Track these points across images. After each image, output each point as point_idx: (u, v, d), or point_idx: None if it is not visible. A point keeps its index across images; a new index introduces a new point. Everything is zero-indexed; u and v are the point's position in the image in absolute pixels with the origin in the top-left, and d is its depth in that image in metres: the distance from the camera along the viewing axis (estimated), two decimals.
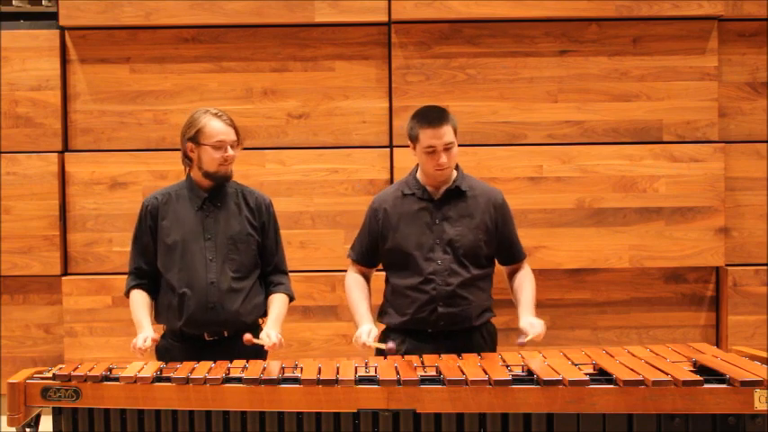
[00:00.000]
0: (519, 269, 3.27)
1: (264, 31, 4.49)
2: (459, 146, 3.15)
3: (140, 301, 3.13)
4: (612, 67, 4.47)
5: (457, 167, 3.19)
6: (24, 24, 4.56)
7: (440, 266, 3.08)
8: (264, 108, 4.49)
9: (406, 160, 4.42)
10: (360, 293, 3.21)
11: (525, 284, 3.21)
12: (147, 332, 2.99)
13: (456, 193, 3.15)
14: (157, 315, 3.17)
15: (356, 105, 4.51)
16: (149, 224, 3.15)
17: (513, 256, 3.27)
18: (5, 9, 4.61)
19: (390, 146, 4.48)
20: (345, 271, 3.32)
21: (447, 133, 3.04)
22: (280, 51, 4.50)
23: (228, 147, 3.07)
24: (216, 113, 3.11)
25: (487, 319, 3.21)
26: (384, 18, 4.43)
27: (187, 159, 3.14)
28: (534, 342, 3.01)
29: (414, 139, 3.12)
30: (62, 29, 4.50)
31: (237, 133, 3.12)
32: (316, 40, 4.50)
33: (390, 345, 2.89)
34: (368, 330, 3.03)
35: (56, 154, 4.49)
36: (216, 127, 3.07)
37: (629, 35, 4.46)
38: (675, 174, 4.45)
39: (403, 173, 4.37)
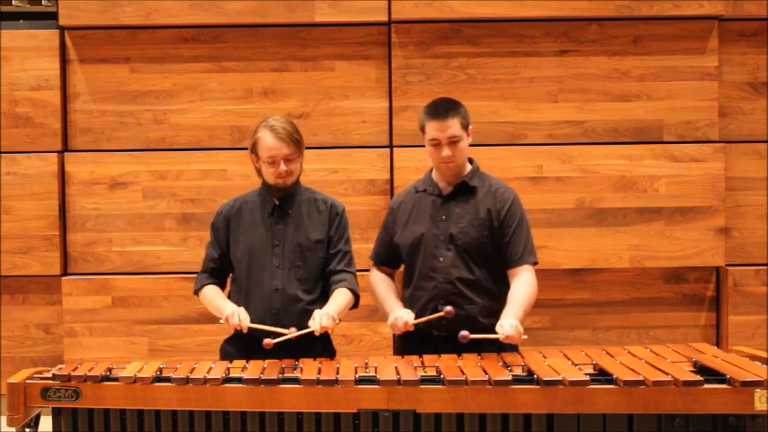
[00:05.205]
0: (517, 274, 3.00)
1: (264, 31, 4.49)
2: None
3: (216, 291, 3.11)
4: (612, 66, 4.47)
5: (472, 162, 3.13)
6: (24, 24, 4.56)
7: (441, 263, 3.01)
8: (264, 108, 4.48)
9: (406, 160, 4.43)
10: (384, 286, 3.14)
11: (517, 288, 2.96)
12: (234, 307, 2.94)
13: (465, 189, 3.07)
14: None
15: (356, 105, 4.50)
16: (223, 230, 3.12)
17: (509, 258, 3.01)
18: (5, 9, 4.60)
19: (390, 146, 4.48)
20: None
21: (452, 126, 2.97)
22: (280, 51, 4.50)
23: (282, 162, 3.00)
24: (271, 126, 3.01)
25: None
26: (384, 18, 4.42)
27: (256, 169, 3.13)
28: (524, 343, 2.86)
29: (422, 130, 3.07)
30: (62, 29, 4.50)
31: (296, 143, 3.02)
32: (316, 40, 4.49)
33: (448, 308, 2.84)
34: (406, 312, 2.93)
35: (55, 154, 4.49)
36: (267, 142, 3.01)
37: (629, 35, 4.46)
38: (676, 174, 4.44)
39: (403, 173, 4.41)
